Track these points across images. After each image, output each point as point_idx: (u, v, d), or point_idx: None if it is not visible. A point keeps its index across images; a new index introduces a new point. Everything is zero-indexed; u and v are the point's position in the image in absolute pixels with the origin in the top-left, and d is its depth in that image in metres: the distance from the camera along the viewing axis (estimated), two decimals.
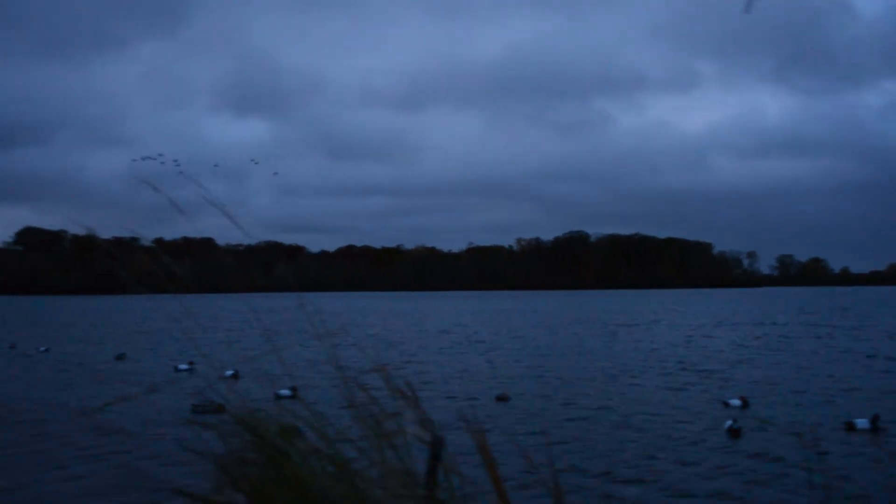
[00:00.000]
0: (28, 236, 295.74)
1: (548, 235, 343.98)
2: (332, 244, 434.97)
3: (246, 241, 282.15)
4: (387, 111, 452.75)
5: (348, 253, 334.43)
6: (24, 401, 27.64)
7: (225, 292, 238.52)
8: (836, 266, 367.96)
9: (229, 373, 31.95)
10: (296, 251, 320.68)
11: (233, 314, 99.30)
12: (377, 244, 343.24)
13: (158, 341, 54.80)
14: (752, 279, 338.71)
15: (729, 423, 21.65)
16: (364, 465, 3.19)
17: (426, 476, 3.36)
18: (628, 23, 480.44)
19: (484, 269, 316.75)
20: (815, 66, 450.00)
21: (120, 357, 43.86)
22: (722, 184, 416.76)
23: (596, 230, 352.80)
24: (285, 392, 23.47)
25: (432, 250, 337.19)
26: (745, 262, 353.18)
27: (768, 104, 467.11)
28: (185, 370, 36.71)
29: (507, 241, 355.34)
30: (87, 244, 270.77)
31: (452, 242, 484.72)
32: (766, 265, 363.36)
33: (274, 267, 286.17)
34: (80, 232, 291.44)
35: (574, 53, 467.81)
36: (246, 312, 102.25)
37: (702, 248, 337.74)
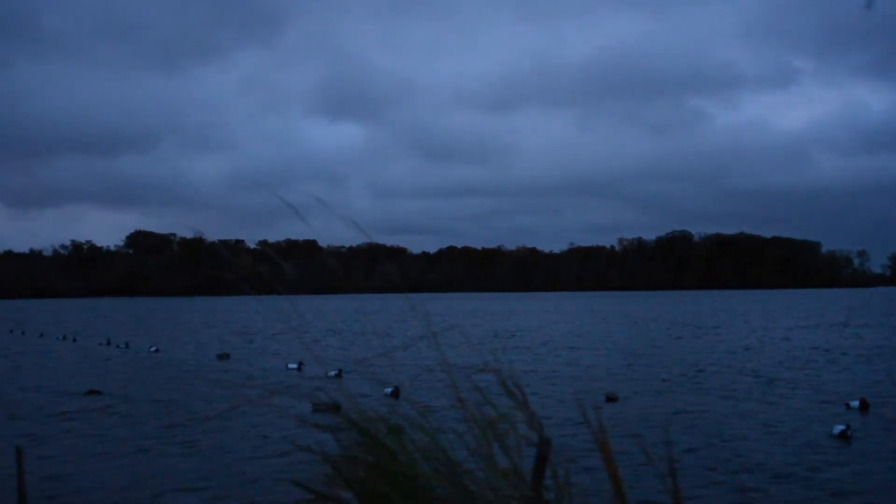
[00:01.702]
0: (138, 239, 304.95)
1: (650, 235, 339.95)
2: (433, 245, 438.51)
3: (348, 243, 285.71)
4: (479, 113, 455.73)
5: (449, 254, 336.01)
6: (147, 402, 28.37)
7: (328, 293, 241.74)
8: None
9: (333, 373, 32.41)
10: (398, 252, 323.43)
11: (338, 314, 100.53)
12: (477, 245, 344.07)
13: (264, 341, 55.89)
14: (862, 279, 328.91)
15: (840, 427, 21.08)
16: (473, 466, 3.20)
17: (533, 477, 3.34)
18: (719, 19, 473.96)
19: (585, 269, 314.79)
20: None
21: (223, 356, 44.87)
22: (825, 181, 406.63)
23: (699, 230, 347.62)
24: (388, 391, 23.69)
25: (533, 251, 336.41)
26: (856, 261, 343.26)
27: (869, 99, 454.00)
28: (294, 369, 37.38)
29: (608, 241, 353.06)
30: (195, 246, 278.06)
31: (553, 243, 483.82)
32: (878, 264, 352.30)
33: (376, 268, 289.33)
34: (188, 235, 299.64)
35: (665, 52, 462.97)
36: (352, 312, 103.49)
37: (809, 248, 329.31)
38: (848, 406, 24.87)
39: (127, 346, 53.29)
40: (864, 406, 24.65)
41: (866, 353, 43.52)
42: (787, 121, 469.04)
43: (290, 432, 19.91)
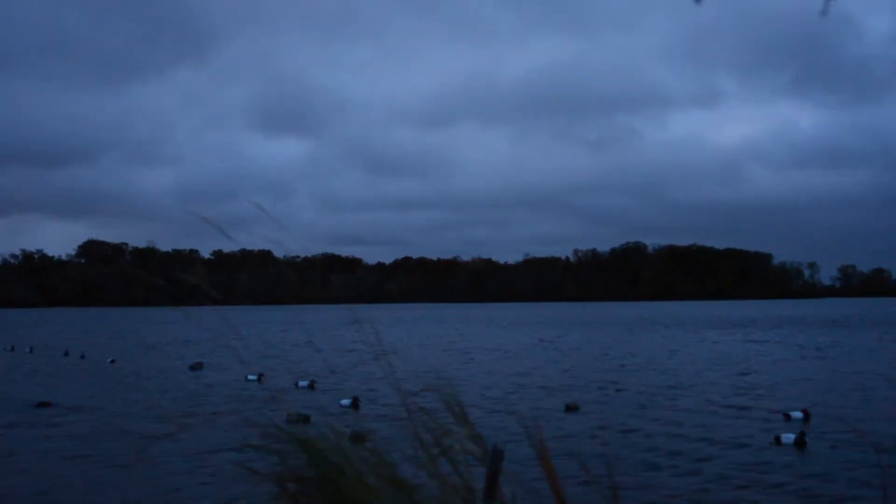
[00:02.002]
0: (90, 249, 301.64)
1: (604, 247, 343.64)
2: (388, 256, 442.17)
3: (303, 254, 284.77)
4: (418, 129, 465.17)
5: (405, 265, 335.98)
6: (94, 416, 28.02)
7: (283, 304, 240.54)
8: None
9: (304, 383, 32.31)
10: (353, 263, 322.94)
11: (293, 327, 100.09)
12: (433, 256, 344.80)
13: (218, 353, 55.52)
14: (813, 290, 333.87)
15: (791, 435, 21.29)
16: (421, 481, 3.17)
17: (485, 491, 3.33)
18: (646, 42, 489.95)
19: (541, 280, 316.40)
20: (832, 80, 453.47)
21: (195, 366, 44.67)
22: (763, 195, 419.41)
23: (653, 241, 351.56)
24: (345, 402, 23.58)
25: (488, 262, 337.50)
26: (806, 273, 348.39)
27: (794, 117, 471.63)
28: (254, 380, 37.06)
29: (563, 252, 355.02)
30: (148, 256, 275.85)
31: (508, 254, 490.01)
32: (827, 276, 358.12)
33: (331, 279, 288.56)
34: (141, 245, 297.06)
35: (595, 72, 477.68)
36: (306, 325, 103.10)
37: (761, 260, 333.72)
38: (789, 417, 25.12)
39: (83, 356, 52.66)
40: (806, 417, 24.96)
41: (805, 366, 44.10)
42: (721, 137, 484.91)
43: (235, 450, 19.70)
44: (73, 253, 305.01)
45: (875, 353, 51.00)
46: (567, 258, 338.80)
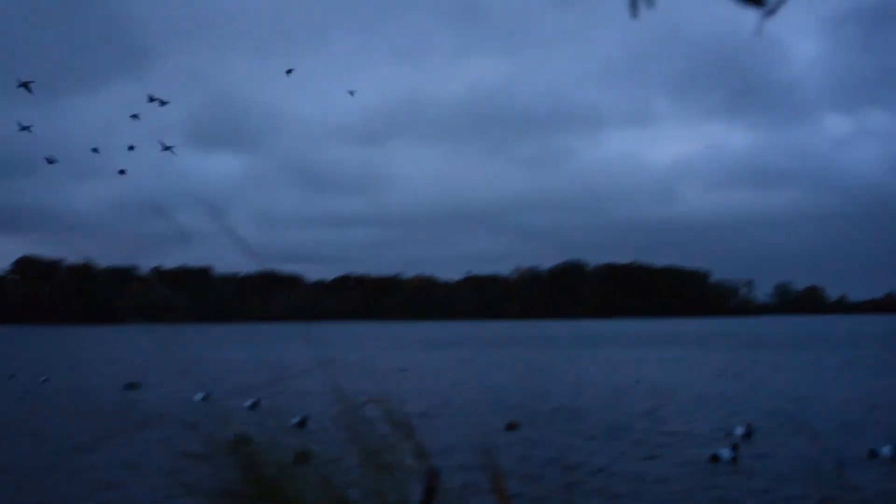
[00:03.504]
0: (25, 265, 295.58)
1: (545, 264, 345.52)
2: (329, 273, 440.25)
3: (242, 270, 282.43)
4: (355, 146, 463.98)
5: (345, 282, 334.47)
6: (16, 434, 27.51)
7: (223, 322, 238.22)
8: (833, 294, 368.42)
9: (248, 403, 31.91)
10: (293, 280, 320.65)
11: (234, 343, 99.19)
12: (374, 273, 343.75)
13: (162, 371, 54.71)
14: (749, 308, 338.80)
15: (727, 452, 21.53)
16: (362, 498, 3.17)
17: None
18: (580, 63, 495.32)
19: (482, 298, 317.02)
20: (761, 102, 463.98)
21: (132, 386, 43.89)
22: (697, 213, 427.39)
23: (593, 259, 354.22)
24: (294, 421, 23.36)
25: (430, 280, 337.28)
26: (743, 290, 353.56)
27: (726, 137, 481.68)
28: (201, 400, 36.53)
29: (505, 270, 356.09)
30: (85, 273, 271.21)
31: (450, 272, 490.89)
32: (764, 293, 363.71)
33: (271, 296, 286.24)
34: (78, 261, 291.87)
35: (531, 92, 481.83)
36: (247, 342, 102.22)
37: (699, 277, 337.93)
38: (730, 434, 25.41)
39: (12, 377, 51.36)
40: (748, 433, 25.24)
41: (743, 383, 44.74)
42: (656, 156, 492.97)
43: (169, 466, 19.44)
44: (8, 269, 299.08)
45: (786, 372, 51.97)
46: (508, 276, 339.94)
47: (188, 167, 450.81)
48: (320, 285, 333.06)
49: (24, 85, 43.48)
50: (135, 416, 31.38)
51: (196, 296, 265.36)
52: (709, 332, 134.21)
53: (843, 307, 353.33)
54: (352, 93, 64.99)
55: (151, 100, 44.66)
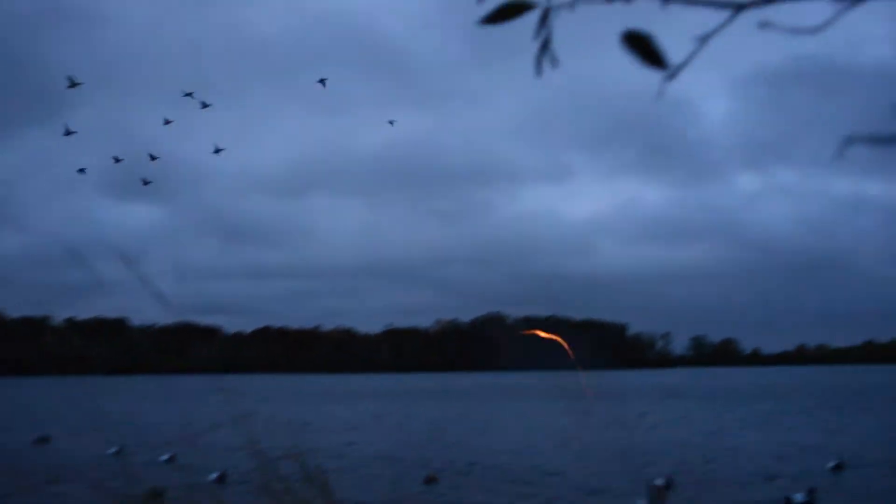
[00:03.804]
0: None
1: (465, 317, 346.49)
2: (248, 325, 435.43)
3: (159, 322, 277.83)
4: (273, 198, 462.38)
5: (264, 334, 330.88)
6: None
7: (139, 373, 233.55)
8: (748, 347, 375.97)
9: (164, 457, 31.21)
10: (211, 332, 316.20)
11: (150, 396, 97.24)
12: (294, 325, 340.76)
13: (74, 424, 53.37)
14: (666, 360, 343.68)
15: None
16: None
17: None
18: (497, 118, 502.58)
19: (403, 350, 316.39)
20: (673, 159, 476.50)
21: (42, 440, 42.61)
22: (615, 267, 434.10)
23: (512, 312, 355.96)
24: (213, 476, 22.94)
25: (349, 332, 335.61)
26: (660, 343, 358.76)
27: (640, 193, 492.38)
28: (114, 454, 35.63)
29: (425, 322, 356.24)
30: None
31: (370, 324, 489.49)
32: (680, 346, 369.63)
33: (189, 348, 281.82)
34: None
35: (449, 146, 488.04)
36: (164, 395, 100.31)
37: (617, 329, 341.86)
38: (650, 484, 25.55)
39: None
40: (668, 485, 25.40)
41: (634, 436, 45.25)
42: (572, 211, 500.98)
43: None
44: None
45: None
46: (428, 328, 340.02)
47: (103, 217, 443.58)
48: (239, 337, 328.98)
49: None
50: (44, 472, 30.51)
51: (112, 347, 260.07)
52: (626, 385, 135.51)
53: (757, 359, 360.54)
54: (392, 122, 64.80)
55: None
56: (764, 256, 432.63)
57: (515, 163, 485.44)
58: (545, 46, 1.82)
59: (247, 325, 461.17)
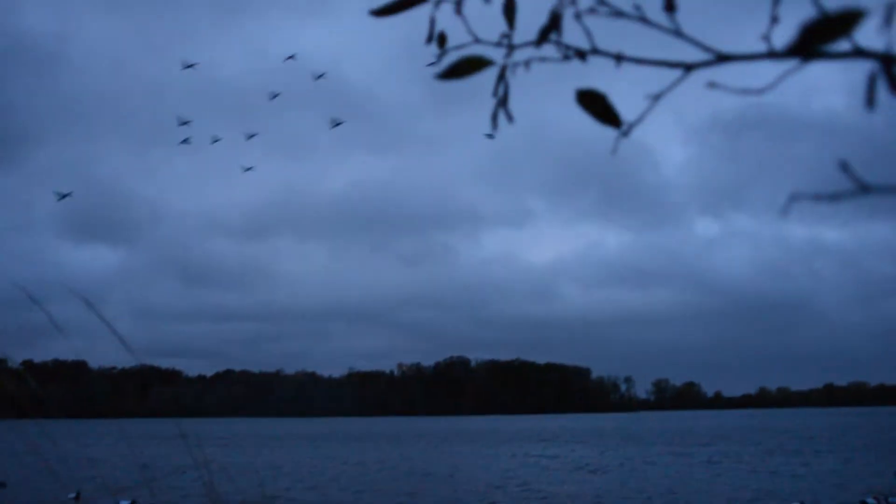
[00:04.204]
0: None
1: (428, 361, 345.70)
2: (209, 368, 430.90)
3: (119, 365, 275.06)
4: (236, 241, 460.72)
5: (227, 377, 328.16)
6: None
7: (98, 417, 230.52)
8: (710, 390, 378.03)
9: (125, 503, 30.73)
10: (173, 375, 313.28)
11: (110, 440, 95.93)
12: (255, 368, 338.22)
13: (31, 469, 52.39)
14: (629, 404, 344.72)
15: None
16: None
17: None
18: (458, 163, 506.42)
19: (365, 394, 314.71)
20: (632, 204, 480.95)
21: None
22: (577, 311, 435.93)
23: (476, 355, 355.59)
24: None
25: (312, 375, 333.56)
26: (623, 387, 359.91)
27: (599, 238, 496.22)
28: (72, 498, 35.01)
29: (388, 366, 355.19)
30: None
31: (332, 367, 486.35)
32: (642, 390, 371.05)
33: (150, 391, 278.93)
34: None
35: (411, 191, 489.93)
36: (126, 438, 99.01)
37: (580, 374, 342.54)
38: None
39: None
40: None
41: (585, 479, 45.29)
42: (533, 255, 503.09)
43: None
44: None
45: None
46: (391, 372, 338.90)
47: (63, 258, 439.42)
48: (201, 380, 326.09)
49: None
50: None
51: (70, 390, 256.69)
52: (589, 428, 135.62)
53: (719, 402, 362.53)
54: (491, 136, 64.09)
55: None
56: (724, 300, 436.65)
57: (477, 207, 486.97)
58: (502, 103, 1.87)
59: (208, 368, 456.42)
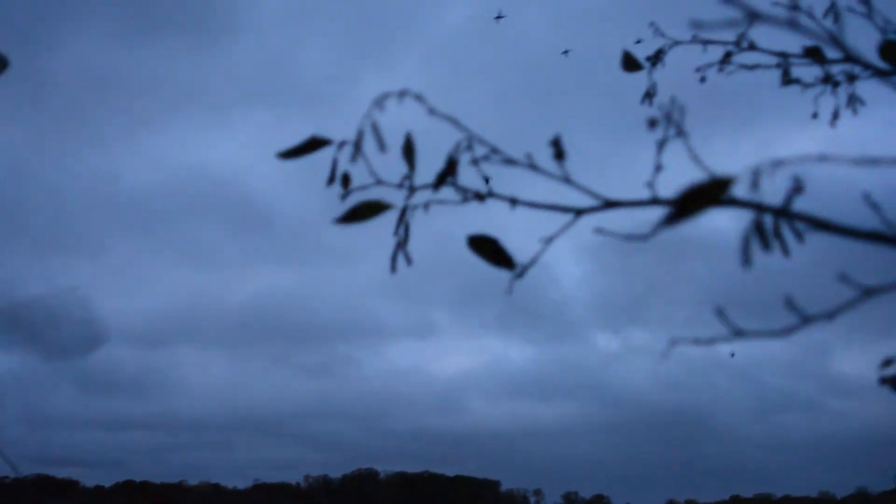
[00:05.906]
0: None
1: (336, 473, 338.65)
2: (108, 479, 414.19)
3: (11, 475, 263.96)
4: (136, 349, 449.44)
5: (126, 488, 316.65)
6: None
7: None
8: (619, 502, 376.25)
9: None
10: (69, 485, 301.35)
11: None
12: (157, 479, 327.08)
13: None
14: None
15: None
16: None
17: None
18: (364, 276, 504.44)
19: None
20: (534, 319, 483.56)
21: None
22: (482, 424, 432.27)
23: (385, 467, 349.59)
24: None
25: (216, 486, 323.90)
26: (533, 499, 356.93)
27: (506, 351, 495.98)
28: None
29: (294, 478, 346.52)
30: None
31: (237, 479, 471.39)
32: (552, 502, 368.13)
33: (45, 502, 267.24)
34: None
35: (315, 302, 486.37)
36: None
37: (490, 486, 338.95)
38: None
39: None
40: None
41: None
42: (439, 368, 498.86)
43: None
44: None
45: None
46: (298, 483, 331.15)
47: None
48: (99, 491, 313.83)
49: None
50: None
51: None
52: None
53: None
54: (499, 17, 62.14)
55: None
56: (629, 413, 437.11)
57: (381, 319, 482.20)
58: (402, 244, 2.02)
59: (107, 478, 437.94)
